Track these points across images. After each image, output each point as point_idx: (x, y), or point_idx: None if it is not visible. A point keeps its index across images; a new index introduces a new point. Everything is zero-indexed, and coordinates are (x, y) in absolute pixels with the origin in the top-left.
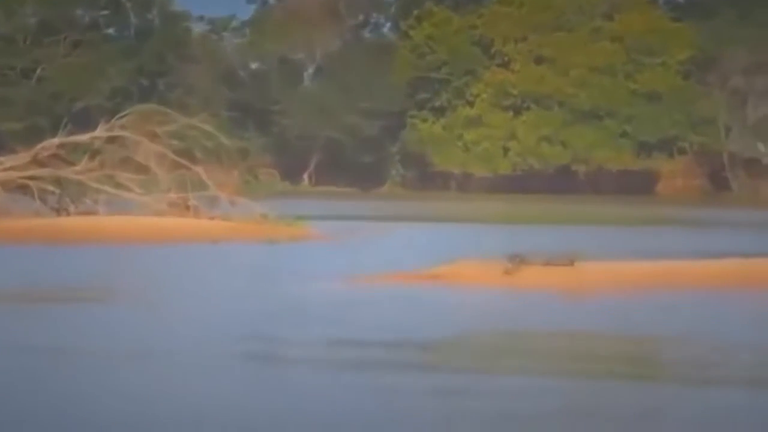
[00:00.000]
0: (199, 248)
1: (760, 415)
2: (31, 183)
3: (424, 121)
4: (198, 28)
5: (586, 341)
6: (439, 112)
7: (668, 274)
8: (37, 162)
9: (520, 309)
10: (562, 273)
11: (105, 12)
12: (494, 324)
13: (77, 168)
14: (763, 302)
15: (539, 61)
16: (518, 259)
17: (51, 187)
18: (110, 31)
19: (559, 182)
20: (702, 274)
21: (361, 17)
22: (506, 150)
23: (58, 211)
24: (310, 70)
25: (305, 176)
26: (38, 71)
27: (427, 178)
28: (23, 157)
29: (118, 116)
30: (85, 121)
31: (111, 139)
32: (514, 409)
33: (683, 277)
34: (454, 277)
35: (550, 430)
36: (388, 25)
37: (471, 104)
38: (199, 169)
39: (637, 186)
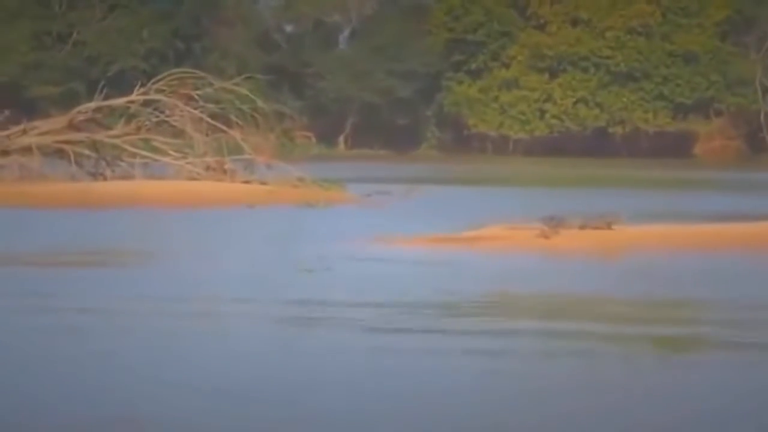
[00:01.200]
0: (235, 212)
1: None
2: (67, 147)
3: (460, 83)
4: None
5: (621, 305)
6: (475, 74)
7: (707, 236)
8: (73, 126)
9: (557, 272)
10: (599, 236)
11: None
12: (531, 286)
13: (113, 132)
14: None
15: (575, 22)
16: (555, 222)
17: (87, 152)
18: None
19: (595, 144)
20: (741, 236)
21: None
22: (542, 112)
23: (95, 175)
24: (346, 33)
25: (341, 139)
26: (74, 35)
27: (462, 141)
28: (59, 121)
29: (153, 80)
30: (120, 85)
31: (147, 103)
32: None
33: (722, 239)
34: (491, 240)
35: (589, 394)
36: None
37: (507, 66)
38: (235, 133)
39: (673, 148)
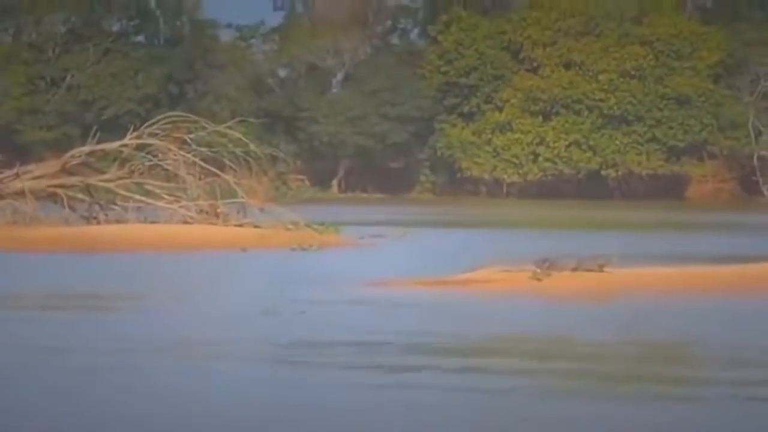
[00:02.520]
0: (228, 255)
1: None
2: (60, 191)
3: (454, 126)
4: (226, 36)
5: (614, 347)
6: (469, 117)
7: (700, 279)
8: (66, 170)
9: (549, 314)
10: (591, 278)
11: (135, 21)
12: (523, 329)
13: (107, 176)
14: None
15: (568, 65)
16: (547, 264)
17: (80, 195)
18: (139, 38)
19: (589, 187)
20: (735, 279)
21: (388, 23)
22: (536, 155)
23: (88, 219)
24: (339, 77)
25: (334, 182)
26: (68, 79)
27: (456, 184)
28: (53, 165)
29: (146, 124)
30: (115, 129)
31: (140, 147)
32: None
33: (715, 282)
34: (484, 283)
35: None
36: (416, 30)
37: (500, 109)
38: (228, 177)
39: (666, 190)
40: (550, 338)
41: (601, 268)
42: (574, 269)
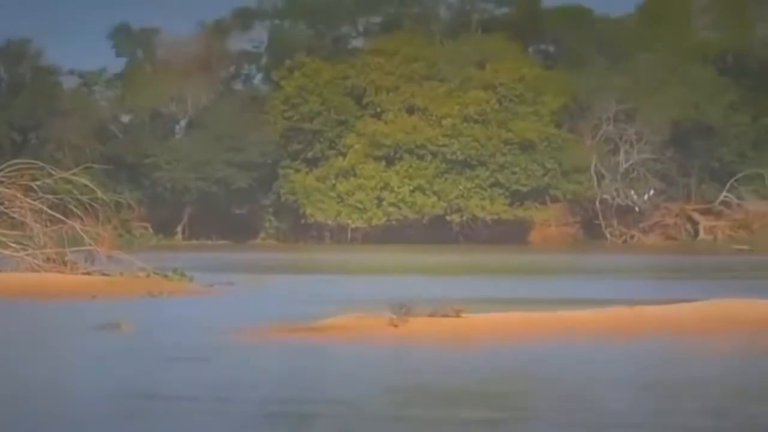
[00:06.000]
0: (76, 304)
1: None
2: None
3: (298, 171)
4: (69, 82)
5: (473, 395)
6: (313, 162)
7: (554, 323)
8: None
9: (408, 361)
10: (449, 324)
11: None
12: (382, 378)
13: None
14: (644, 348)
15: (411, 110)
16: (404, 310)
17: None
18: None
19: (434, 232)
20: (585, 322)
21: (232, 69)
22: (380, 200)
23: None
24: (182, 123)
25: (178, 229)
26: None
27: (301, 230)
28: None
29: None
30: None
31: None
32: None
33: (563, 326)
34: (340, 330)
35: None
36: (260, 76)
37: (344, 155)
38: (74, 224)
39: (510, 234)
40: (409, 385)
41: (458, 314)
42: (431, 315)
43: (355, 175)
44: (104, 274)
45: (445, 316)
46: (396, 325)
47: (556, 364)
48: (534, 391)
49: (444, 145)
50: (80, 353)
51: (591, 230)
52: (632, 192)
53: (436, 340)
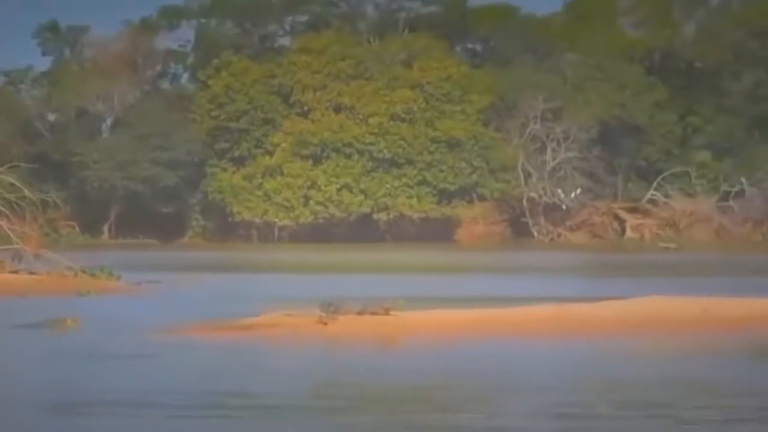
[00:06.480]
0: (4, 302)
1: None
2: None
3: (224, 170)
4: None
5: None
6: (239, 161)
7: (483, 321)
8: None
9: (336, 359)
10: (377, 322)
11: None
12: (309, 376)
13: None
14: (575, 346)
15: (338, 109)
16: (332, 308)
17: None
18: None
19: (361, 230)
20: (513, 320)
21: (159, 68)
22: (307, 199)
23: None
24: (109, 122)
25: (105, 228)
26: None
27: (228, 228)
28: None
29: None
30: None
31: None
32: None
33: (497, 324)
34: (269, 327)
35: None
36: (187, 75)
37: (271, 154)
38: (1, 222)
39: (437, 233)
40: (338, 383)
41: (387, 312)
42: (360, 313)
43: (282, 174)
44: (31, 273)
45: (374, 314)
46: (325, 323)
47: (481, 361)
48: (456, 387)
49: (371, 144)
50: (6, 352)
51: (518, 228)
52: (559, 190)
53: (365, 337)
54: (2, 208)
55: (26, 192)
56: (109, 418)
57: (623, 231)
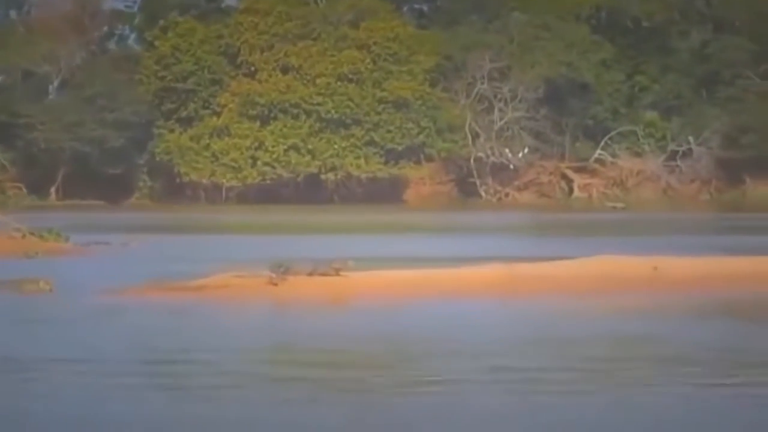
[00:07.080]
0: None
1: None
2: None
3: (172, 131)
4: None
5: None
6: (186, 122)
7: (433, 281)
8: None
9: (285, 320)
10: (328, 282)
11: None
12: (262, 337)
13: None
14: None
15: (285, 70)
16: (282, 269)
17: None
18: None
19: (308, 191)
20: (462, 280)
21: (105, 29)
22: (254, 159)
23: None
24: (55, 83)
25: (52, 190)
26: None
27: (175, 190)
28: None
29: None
30: None
31: None
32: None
33: (446, 284)
34: (219, 289)
35: None
36: (133, 36)
37: (218, 114)
38: None
39: (385, 193)
40: (283, 344)
41: (337, 272)
42: (310, 274)
43: (229, 135)
44: None
45: (324, 274)
46: (275, 284)
47: (429, 320)
48: (399, 347)
49: (318, 104)
50: None
51: (466, 188)
52: (507, 150)
53: (315, 298)
54: None
55: None
56: (49, 379)
57: (571, 191)
